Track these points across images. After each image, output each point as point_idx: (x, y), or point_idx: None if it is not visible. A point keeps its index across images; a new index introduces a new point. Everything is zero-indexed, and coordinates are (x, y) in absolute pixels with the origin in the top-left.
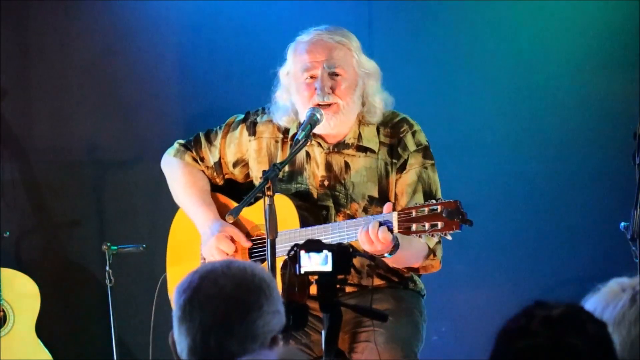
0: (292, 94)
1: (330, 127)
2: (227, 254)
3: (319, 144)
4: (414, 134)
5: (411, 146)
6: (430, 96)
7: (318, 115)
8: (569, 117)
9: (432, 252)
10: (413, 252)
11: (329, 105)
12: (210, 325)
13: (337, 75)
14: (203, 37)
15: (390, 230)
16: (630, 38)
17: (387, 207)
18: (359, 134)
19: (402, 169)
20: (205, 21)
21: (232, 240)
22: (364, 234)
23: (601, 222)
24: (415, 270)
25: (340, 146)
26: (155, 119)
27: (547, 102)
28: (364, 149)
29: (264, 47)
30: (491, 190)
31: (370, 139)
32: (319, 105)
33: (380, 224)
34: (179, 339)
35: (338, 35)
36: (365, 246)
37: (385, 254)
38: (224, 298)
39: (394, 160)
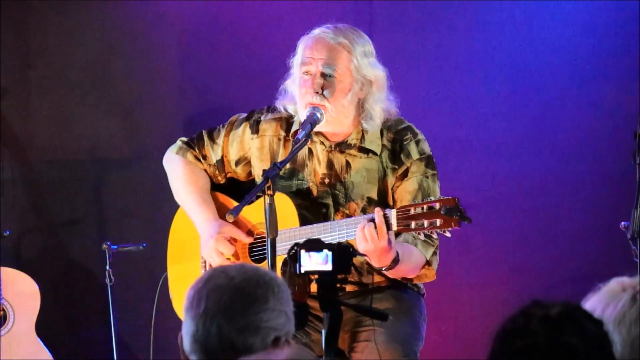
0: (295, 85)
1: (319, 125)
2: (226, 256)
3: (322, 142)
4: (417, 142)
5: (414, 154)
6: (430, 96)
7: (318, 115)
8: (568, 117)
9: (428, 263)
10: (411, 267)
11: (317, 105)
12: (214, 312)
13: (330, 76)
14: (203, 37)
15: (389, 228)
16: (630, 38)
17: (377, 210)
18: (362, 135)
19: (403, 176)
20: (205, 21)
21: (232, 240)
22: (359, 229)
23: (601, 222)
24: (409, 279)
25: (342, 145)
26: (155, 119)
27: (547, 102)
28: (366, 151)
29: (264, 46)
30: (491, 190)
31: (373, 140)
32: (310, 104)
33: (372, 220)
34: (185, 328)
35: (342, 36)
36: (360, 245)
37: (383, 268)
38: (231, 287)
39: (395, 166)
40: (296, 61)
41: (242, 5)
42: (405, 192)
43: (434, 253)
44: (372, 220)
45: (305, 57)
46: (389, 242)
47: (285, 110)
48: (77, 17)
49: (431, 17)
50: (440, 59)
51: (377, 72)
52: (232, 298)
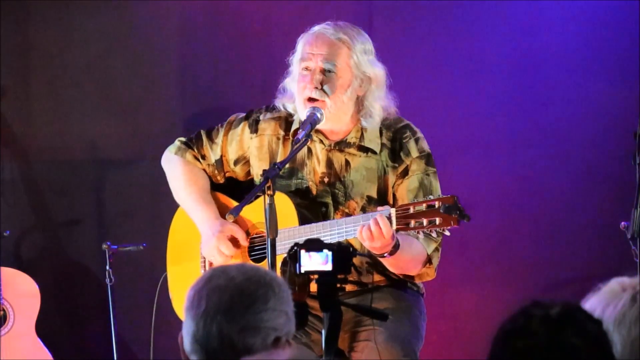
0: (294, 82)
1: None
2: (227, 255)
3: (321, 141)
4: (416, 140)
5: (414, 152)
6: (430, 96)
7: (318, 115)
8: (569, 117)
9: (428, 259)
10: (412, 257)
11: (317, 100)
12: (215, 312)
13: (329, 72)
14: (203, 37)
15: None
16: (630, 38)
17: (380, 215)
18: (362, 134)
19: (403, 174)
20: (205, 21)
21: (233, 239)
22: (366, 228)
23: (601, 222)
24: (411, 277)
25: (341, 144)
26: (155, 119)
27: (547, 102)
28: (366, 149)
29: (264, 46)
30: (491, 190)
31: (373, 139)
32: (309, 99)
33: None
34: (185, 328)
35: (342, 32)
36: (365, 242)
37: (385, 254)
38: (231, 287)
39: (395, 164)
40: (295, 58)
41: (242, 5)
42: (406, 190)
43: (436, 249)
44: (375, 220)
45: (305, 53)
46: (392, 236)
47: (285, 108)
48: (77, 17)
49: (430, 16)
50: (439, 58)
51: (376, 70)
52: (233, 298)
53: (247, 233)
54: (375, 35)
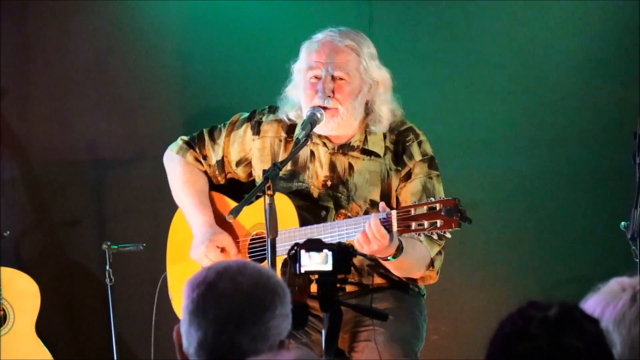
0: (298, 90)
1: (328, 129)
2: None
3: (324, 144)
4: (419, 143)
5: (417, 155)
6: (430, 96)
7: (318, 115)
8: (569, 116)
9: (431, 262)
10: (416, 260)
11: (328, 108)
12: (224, 321)
13: (339, 79)
14: (203, 37)
15: (389, 229)
16: (630, 38)
17: (382, 206)
18: (365, 137)
19: (406, 177)
20: (205, 21)
21: (222, 249)
22: (360, 233)
23: (601, 222)
24: (414, 280)
25: (345, 147)
26: (155, 119)
27: (547, 102)
28: (369, 153)
29: (264, 46)
30: (491, 190)
31: (376, 142)
32: (319, 107)
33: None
34: (188, 332)
35: (349, 39)
36: (363, 249)
37: (389, 257)
38: (240, 295)
39: (398, 168)
40: (300, 66)
41: (242, 5)
42: (409, 193)
43: (439, 252)
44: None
45: (313, 62)
46: (390, 238)
47: (288, 118)
48: (77, 17)
49: (431, 17)
50: (439, 59)
51: (383, 74)
52: (242, 307)
53: (247, 233)
54: (375, 36)
